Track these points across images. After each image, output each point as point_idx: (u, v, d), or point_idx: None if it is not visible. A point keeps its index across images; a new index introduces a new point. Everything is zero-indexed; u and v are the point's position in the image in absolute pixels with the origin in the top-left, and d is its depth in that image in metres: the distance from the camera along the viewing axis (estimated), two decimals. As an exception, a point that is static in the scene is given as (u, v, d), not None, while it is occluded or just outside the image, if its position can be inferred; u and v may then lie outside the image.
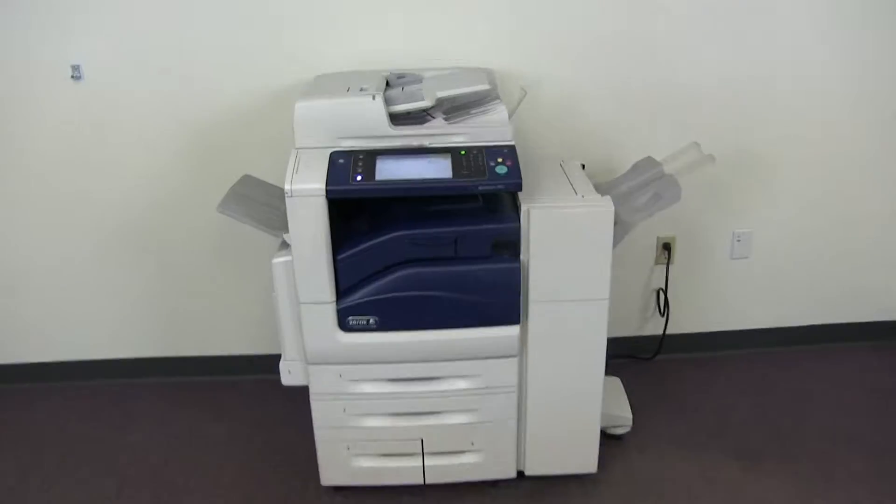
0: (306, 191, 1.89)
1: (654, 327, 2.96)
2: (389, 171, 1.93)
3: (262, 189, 2.28)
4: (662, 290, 2.87)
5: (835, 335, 3.01)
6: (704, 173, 2.29)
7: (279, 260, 2.02)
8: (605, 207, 1.98)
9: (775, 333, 3.00)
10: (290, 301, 2.05)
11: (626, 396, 2.58)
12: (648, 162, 2.32)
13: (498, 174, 1.92)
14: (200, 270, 2.77)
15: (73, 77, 2.47)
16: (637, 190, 2.21)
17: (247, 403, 2.78)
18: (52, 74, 2.46)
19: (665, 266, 2.83)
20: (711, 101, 2.59)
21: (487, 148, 1.99)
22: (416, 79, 2.29)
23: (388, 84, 2.25)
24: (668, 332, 2.90)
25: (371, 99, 1.97)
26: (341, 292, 2.02)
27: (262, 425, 2.65)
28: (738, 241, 2.84)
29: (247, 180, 2.30)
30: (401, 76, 2.31)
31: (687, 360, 2.96)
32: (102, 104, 2.51)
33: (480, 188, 1.91)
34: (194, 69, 2.48)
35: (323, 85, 2.21)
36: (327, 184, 1.89)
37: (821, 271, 2.92)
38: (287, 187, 1.89)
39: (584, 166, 2.34)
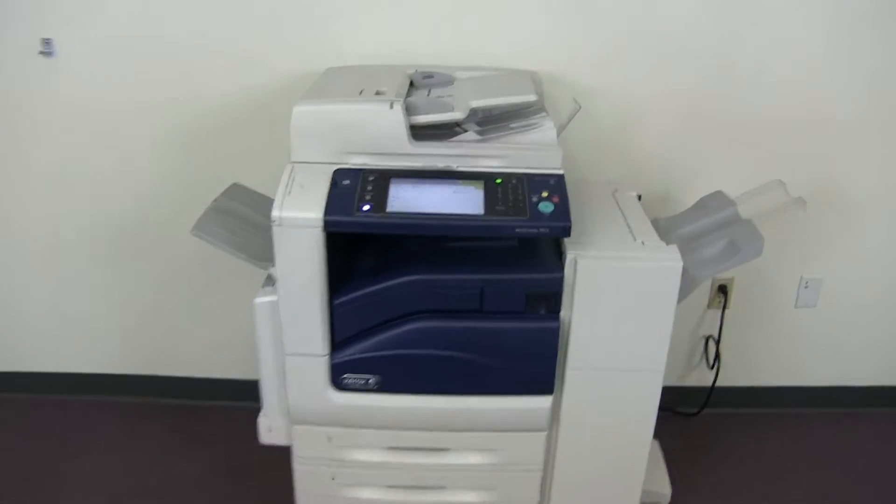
0: (299, 220, 1.51)
1: (698, 378, 2.57)
2: (405, 200, 1.54)
3: (253, 202, 1.89)
4: (713, 338, 2.47)
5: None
6: (767, 199, 1.88)
7: (263, 300, 1.64)
8: (671, 261, 1.58)
9: (838, 393, 2.60)
10: (273, 349, 1.68)
11: (664, 465, 2.20)
12: (718, 198, 1.93)
13: (541, 213, 1.53)
14: (183, 282, 2.40)
15: (42, 53, 2.08)
16: (706, 235, 1.81)
17: (226, 435, 2.41)
18: (17, 47, 2.08)
19: (720, 311, 2.42)
20: (792, 129, 2.17)
21: (530, 177, 1.60)
22: (447, 79, 1.91)
23: (412, 84, 1.86)
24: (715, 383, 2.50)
25: (388, 107, 1.57)
26: (337, 344, 1.65)
27: (240, 466, 2.29)
28: (806, 287, 2.44)
29: (235, 191, 1.92)
30: (428, 75, 1.92)
31: (735, 417, 2.57)
32: (77, 88, 2.14)
33: (518, 231, 1.52)
34: (185, 53, 2.09)
35: (331, 83, 1.82)
36: (326, 213, 1.51)
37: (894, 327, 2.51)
38: (275, 213, 1.51)
39: (640, 197, 1.95)
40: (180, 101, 2.14)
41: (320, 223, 1.51)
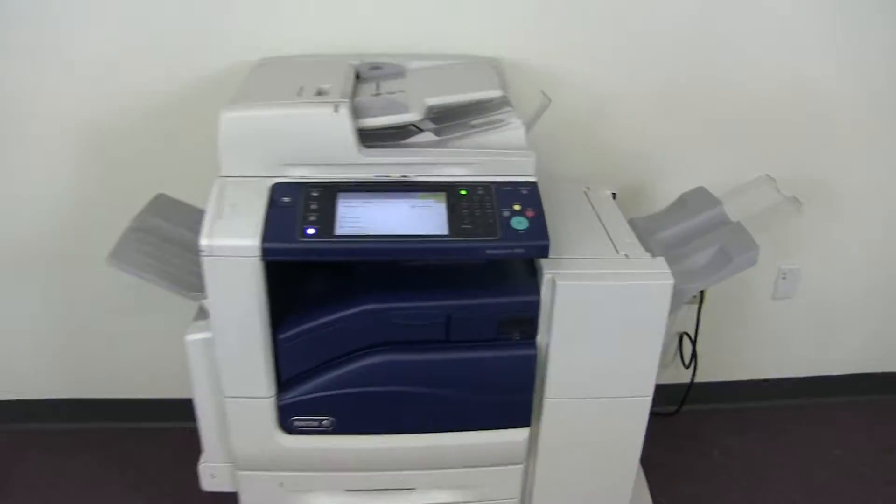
0: (232, 249, 1.29)
1: (672, 375, 2.43)
2: (356, 219, 1.33)
3: (181, 216, 1.65)
4: (689, 336, 2.32)
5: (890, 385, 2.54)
6: (755, 197, 1.73)
7: (195, 337, 1.42)
8: (660, 279, 1.41)
9: (818, 383, 2.51)
10: (211, 390, 1.46)
11: (645, 481, 2.04)
12: (701, 196, 1.76)
13: (514, 231, 1.33)
14: (111, 295, 2.13)
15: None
16: (691, 239, 1.64)
17: (169, 460, 2.18)
18: None
19: (696, 308, 2.27)
20: (770, 117, 2.02)
21: (498, 186, 1.40)
22: (397, 71, 1.69)
23: (357, 77, 1.63)
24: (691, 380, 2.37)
25: (332, 110, 1.35)
26: (283, 383, 1.44)
27: (189, 494, 2.04)
28: (784, 278, 2.30)
29: (160, 203, 1.67)
30: (376, 67, 1.70)
31: (714, 413, 2.45)
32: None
33: (489, 253, 1.32)
34: (98, 44, 1.81)
35: (266, 80, 1.58)
36: (264, 239, 1.29)
37: (874, 315, 2.43)
38: (203, 242, 1.28)
39: (614, 196, 1.77)
40: (93, 99, 1.86)
41: (257, 251, 1.29)
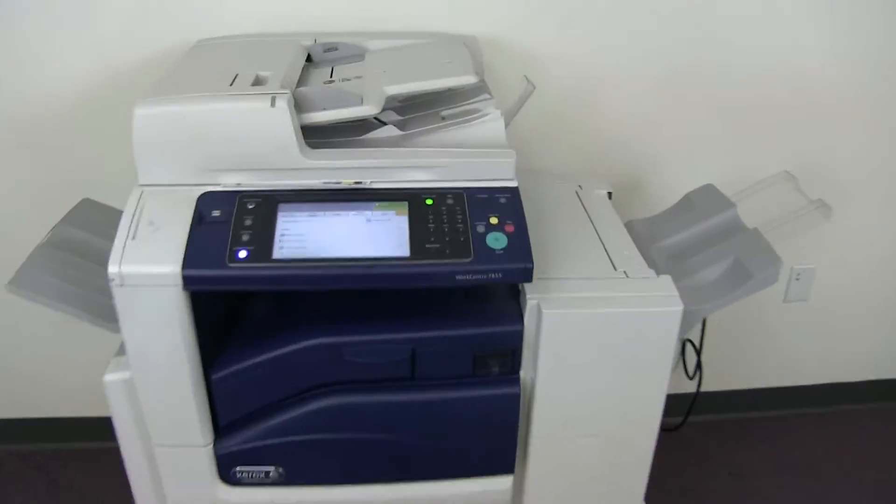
0: (146, 277, 1.05)
1: (676, 385, 2.19)
2: (299, 238, 1.10)
3: (109, 225, 1.40)
4: (692, 343, 2.10)
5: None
6: (772, 197, 1.52)
7: (114, 377, 1.19)
8: (667, 303, 1.18)
9: (833, 391, 2.31)
10: (139, 438, 1.24)
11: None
12: (709, 195, 1.54)
13: (490, 251, 1.10)
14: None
15: None
16: (701, 249, 1.42)
17: (111, 485, 1.93)
18: None
19: (701, 314, 2.04)
20: (781, 107, 1.80)
21: (471, 193, 1.16)
22: (356, 52, 1.47)
23: (309, 59, 1.40)
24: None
25: (268, 104, 1.11)
26: (222, 429, 1.22)
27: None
28: (797, 279, 2.09)
29: (85, 210, 1.44)
30: (330, 48, 1.48)
31: (720, 425, 2.26)
32: None
33: (459, 279, 1.09)
34: (19, 32, 1.56)
35: (197, 65, 1.34)
36: (186, 265, 1.05)
37: (893, 317, 2.22)
38: (112, 269, 1.05)
39: (610, 195, 1.54)
40: (12, 90, 1.62)
41: (178, 280, 1.05)
